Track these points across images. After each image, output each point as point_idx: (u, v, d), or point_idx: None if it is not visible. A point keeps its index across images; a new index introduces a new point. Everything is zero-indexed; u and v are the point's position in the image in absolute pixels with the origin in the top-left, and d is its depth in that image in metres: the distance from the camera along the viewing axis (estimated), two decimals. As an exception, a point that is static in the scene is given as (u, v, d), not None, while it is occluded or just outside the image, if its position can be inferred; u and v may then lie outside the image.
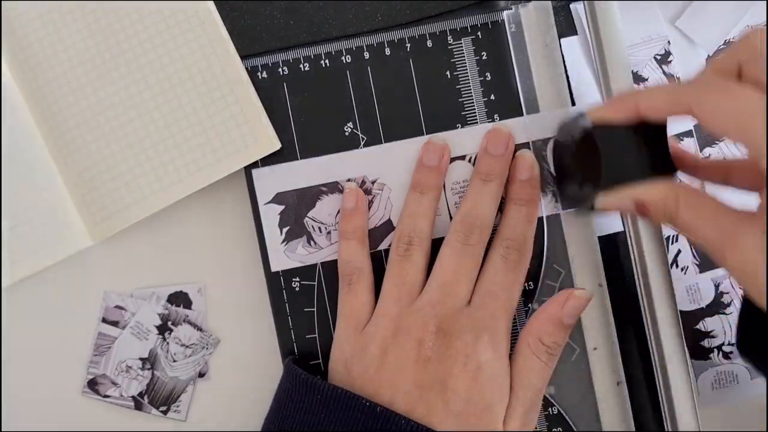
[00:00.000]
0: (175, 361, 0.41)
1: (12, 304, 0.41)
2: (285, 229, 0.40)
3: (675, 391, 0.36)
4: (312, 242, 0.40)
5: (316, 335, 0.40)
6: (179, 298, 0.42)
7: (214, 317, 0.42)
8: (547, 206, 0.39)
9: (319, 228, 0.40)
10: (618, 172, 0.33)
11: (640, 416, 0.39)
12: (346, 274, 0.38)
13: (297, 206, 0.40)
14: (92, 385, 0.41)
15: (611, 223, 0.40)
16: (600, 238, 0.40)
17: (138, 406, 0.41)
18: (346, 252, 0.39)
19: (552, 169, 0.39)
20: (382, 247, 0.40)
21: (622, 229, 0.40)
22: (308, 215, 0.40)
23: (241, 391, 0.42)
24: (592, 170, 0.34)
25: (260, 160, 0.40)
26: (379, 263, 0.39)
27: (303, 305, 0.40)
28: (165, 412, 0.41)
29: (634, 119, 0.32)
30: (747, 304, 0.34)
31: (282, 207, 0.40)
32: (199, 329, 0.41)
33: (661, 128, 0.33)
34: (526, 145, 0.40)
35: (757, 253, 0.27)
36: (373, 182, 0.40)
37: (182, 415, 0.41)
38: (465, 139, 0.40)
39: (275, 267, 0.40)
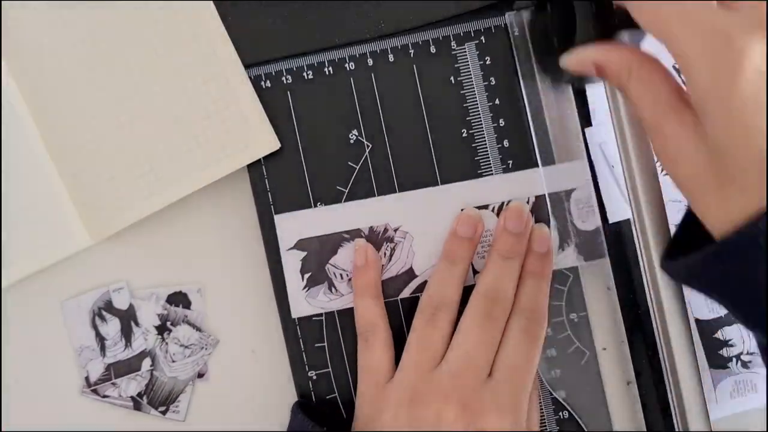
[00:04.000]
0: (174, 361, 0.41)
1: (12, 304, 0.41)
2: (306, 276, 0.40)
3: (685, 390, 0.35)
4: (333, 289, 0.40)
5: (325, 344, 0.40)
6: (178, 299, 0.42)
7: (213, 318, 0.42)
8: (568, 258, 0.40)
9: (341, 275, 0.40)
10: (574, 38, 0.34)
11: (650, 416, 0.39)
12: (362, 330, 0.39)
13: (319, 253, 0.40)
14: (91, 385, 0.41)
15: (617, 212, 0.40)
16: (607, 227, 0.40)
17: (137, 407, 0.41)
18: (361, 308, 0.39)
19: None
20: (403, 295, 0.40)
21: (629, 217, 0.40)
22: (330, 262, 0.40)
23: (239, 391, 0.42)
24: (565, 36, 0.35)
25: (263, 160, 0.40)
26: (396, 312, 0.40)
27: (311, 315, 0.40)
28: (164, 413, 0.41)
29: None
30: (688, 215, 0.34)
31: (304, 253, 0.40)
32: (198, 330, 0.42)
33: None
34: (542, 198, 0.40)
35: (678, 141, 0.28)
36: (395, 230, 0.40)
37: (181, 416, 0.41)
38: (488, 190, 0.40)
39: (296, 313, 0.40)
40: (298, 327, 0.40)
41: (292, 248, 0.40)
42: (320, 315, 0.40)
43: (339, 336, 0.40)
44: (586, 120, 0.40)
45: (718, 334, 0.41)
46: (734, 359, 0.41)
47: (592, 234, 0.40)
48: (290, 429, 0.39)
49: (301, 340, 0.40)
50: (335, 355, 0.40)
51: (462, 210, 0.40)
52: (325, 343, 0.40)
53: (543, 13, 0.38)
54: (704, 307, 0.41)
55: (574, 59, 0.33)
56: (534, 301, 0.38)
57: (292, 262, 0.40)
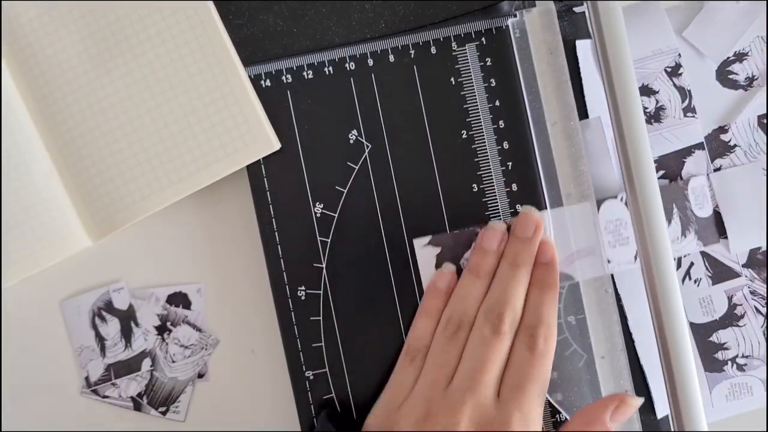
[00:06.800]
0: (174, 361, 0.41)
1: (12, 304, 0.41)
2: None
3: (683, 401, 0.36)
4: None
5: (322, 344, 0.40)
6: (178, 299, 0.42)
7: (213, 318, 0.42)
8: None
9: None
10: None
11: (647, 424, 0.40)
12: (411, 348, 0.39)
13: (453, 248, 0.40)
14: (91, 385, 0.41)
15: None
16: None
17: (137, 407, 0.41)
18: (421, 329, 0.39)
19: None
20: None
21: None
22: (464, 257, 0.40)
23: (240, 391, 0.42)
24: None
25: (262, 160, 0.40)
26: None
27: (309, 314, 0.40)
28: (164, 413, 0.41)
29: None
30: None
31: (438, 249, 0.40)
32: (198, 330, 0.42)
33: None
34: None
35: None
36: None
37: (181, 416, 0.42)
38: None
39: None
40: (295, 327, 0.40)
41: (427, 244, 0.40)
42: (318, 316, 0.40)
43: (337, 337, 0.40)
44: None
45: (713, 338, 0.41)
46: (730, 362, 0.41)
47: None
48: None
49: (298, 340, 0.40)
50: (333, 356, 0.40)
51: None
52: (323, 344, 0.40)
53: None
54: (698, 310, 0.41)
55: None
56: (537, 315, 0.37)
57: (426, 259, 0.40)
